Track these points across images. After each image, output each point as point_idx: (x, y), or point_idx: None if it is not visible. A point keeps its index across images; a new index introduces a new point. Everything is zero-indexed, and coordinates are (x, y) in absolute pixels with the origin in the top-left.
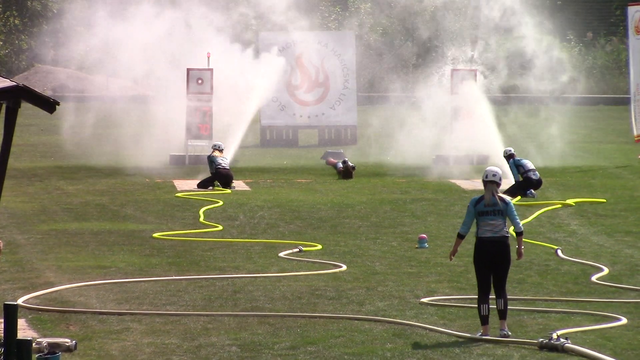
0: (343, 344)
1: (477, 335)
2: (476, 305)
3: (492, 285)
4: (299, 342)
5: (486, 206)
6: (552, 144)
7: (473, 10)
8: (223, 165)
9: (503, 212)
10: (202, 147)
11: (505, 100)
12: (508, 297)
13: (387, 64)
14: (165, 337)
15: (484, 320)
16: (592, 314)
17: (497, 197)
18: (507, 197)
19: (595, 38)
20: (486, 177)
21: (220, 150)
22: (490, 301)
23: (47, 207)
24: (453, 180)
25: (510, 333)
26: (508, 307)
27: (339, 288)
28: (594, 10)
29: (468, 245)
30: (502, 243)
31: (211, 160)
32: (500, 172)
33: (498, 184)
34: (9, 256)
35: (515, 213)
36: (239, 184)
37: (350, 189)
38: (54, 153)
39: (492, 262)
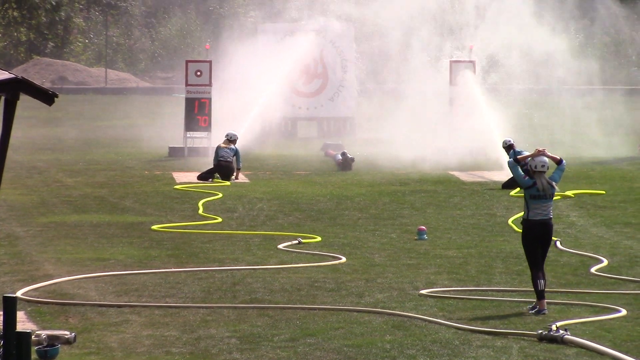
0: (342, 336)
1: (530, 311)
2: (476, 297)
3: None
4: (298, 334)
5: (540, 191)
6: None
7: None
8: (225, 157)
9: (553, 195)
10: (201, 140)
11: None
12: (506, 288)
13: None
14: (164, 330)
15: (541, 295)
16: (592, 306)
17: (548, 182)
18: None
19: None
20: (535, 167)
21: (231, 141)
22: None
23: (46, 200)
24: (452, 172)
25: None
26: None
27: (338, 280)
28: None
29: (467, 237)
30: (550, 224)
31: (216, 151)
32: (548, 162)
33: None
34: (8, 248)
35: (557, 177)
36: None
37: (349, 180)
38: (53, 145)
39: (540, 242)
